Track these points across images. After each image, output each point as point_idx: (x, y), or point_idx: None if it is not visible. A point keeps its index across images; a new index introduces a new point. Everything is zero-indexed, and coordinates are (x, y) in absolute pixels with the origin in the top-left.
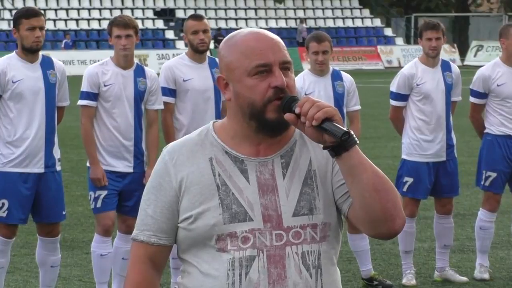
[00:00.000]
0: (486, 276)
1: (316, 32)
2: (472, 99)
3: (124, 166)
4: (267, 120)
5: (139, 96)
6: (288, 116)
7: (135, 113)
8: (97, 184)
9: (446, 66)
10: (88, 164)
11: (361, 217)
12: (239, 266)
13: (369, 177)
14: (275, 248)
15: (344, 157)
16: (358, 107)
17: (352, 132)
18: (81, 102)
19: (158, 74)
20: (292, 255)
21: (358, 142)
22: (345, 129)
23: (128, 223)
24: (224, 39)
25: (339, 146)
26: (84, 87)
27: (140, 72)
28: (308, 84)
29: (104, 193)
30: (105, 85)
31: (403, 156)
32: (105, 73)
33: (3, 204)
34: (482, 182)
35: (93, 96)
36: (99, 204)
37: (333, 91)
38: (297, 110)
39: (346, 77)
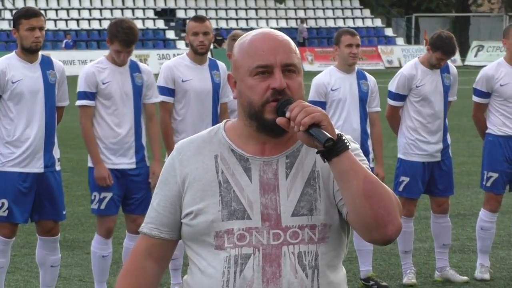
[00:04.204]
0: (486, 276)
1: (345, 28)
2: (475, 99)
3: (127, 163)
4: (265, 120)
5: (138, 91)
6: (279, 120)
7: (135, 108)
8: (102, 184)
9: (444, 68)
10: (90, 165)
11: (354, 222)
12: (234, 264)
13: (359, 183)
14: (272, 247)
15: (334, 162)
16: (379, 108)
17: (344, 137)
18: (79, 102)
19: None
20: (288, 254)
21: (350, 147)
22: (329, 135)
23: (138, 222)
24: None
25: (329, 151)
26: (81, 87)
27: (135, 68)
28: (334, 80)
29: (109, 195)
30: (103, 83)
31: (400, 156)
32: (101, 71)
33: (3, 203)
34: (484, 183)
35: (91, 95)
36: (103, 206)
37: (359, 89)
38: (287, 115)
39: (370, 77)
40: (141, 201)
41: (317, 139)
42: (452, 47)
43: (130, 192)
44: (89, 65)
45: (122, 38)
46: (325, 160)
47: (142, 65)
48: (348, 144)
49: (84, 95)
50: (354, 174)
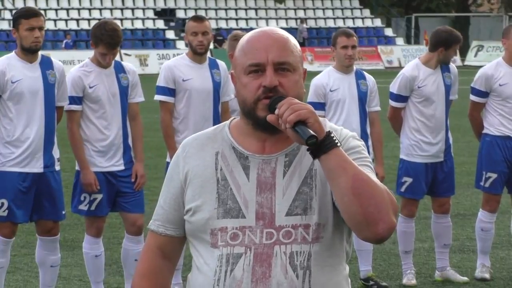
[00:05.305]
0: (486, 276)
1: (343, 28)
2: (472, 97)
3: (116, 164)
4: (258, 118)
5: (124, 92)
6: (269, 117)
7: (122, 109)
8: (89, 189)
9: (445, 67)
10: (78, 168)
11: (346, 220)
12: (226, 263)
13: (348, 180)
14: (264, 246)
15: (322, 159)
16: (379, 108)
17: (333, 135)
18: (66, 107)
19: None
20: (280, 254)
21: (339, 144)
22: (312, 133)
23: (138, 224)
24: None
25: (317, 148)
26: (68, 91)
27: (120, 68)
28: (333, 81)
29: (99, 197)
30: (90, 87)
31: (402, 157)
32: (87, 75)
33: (2, 203)
34: (482, 183)
35: (78, 100)
36: (93, 207)
37: (357, 89)
38: (276, 111)
39: (369, 77)
40: (135, 199)
41: (301, 136)
42: (458, 35)
43: (122, 192)
44: (75, 69)
45: (107, 41)
46: (313, 158)
47: (126, 64)
48: (336, 141)
49: (71, 100)
50: (342, 171)
